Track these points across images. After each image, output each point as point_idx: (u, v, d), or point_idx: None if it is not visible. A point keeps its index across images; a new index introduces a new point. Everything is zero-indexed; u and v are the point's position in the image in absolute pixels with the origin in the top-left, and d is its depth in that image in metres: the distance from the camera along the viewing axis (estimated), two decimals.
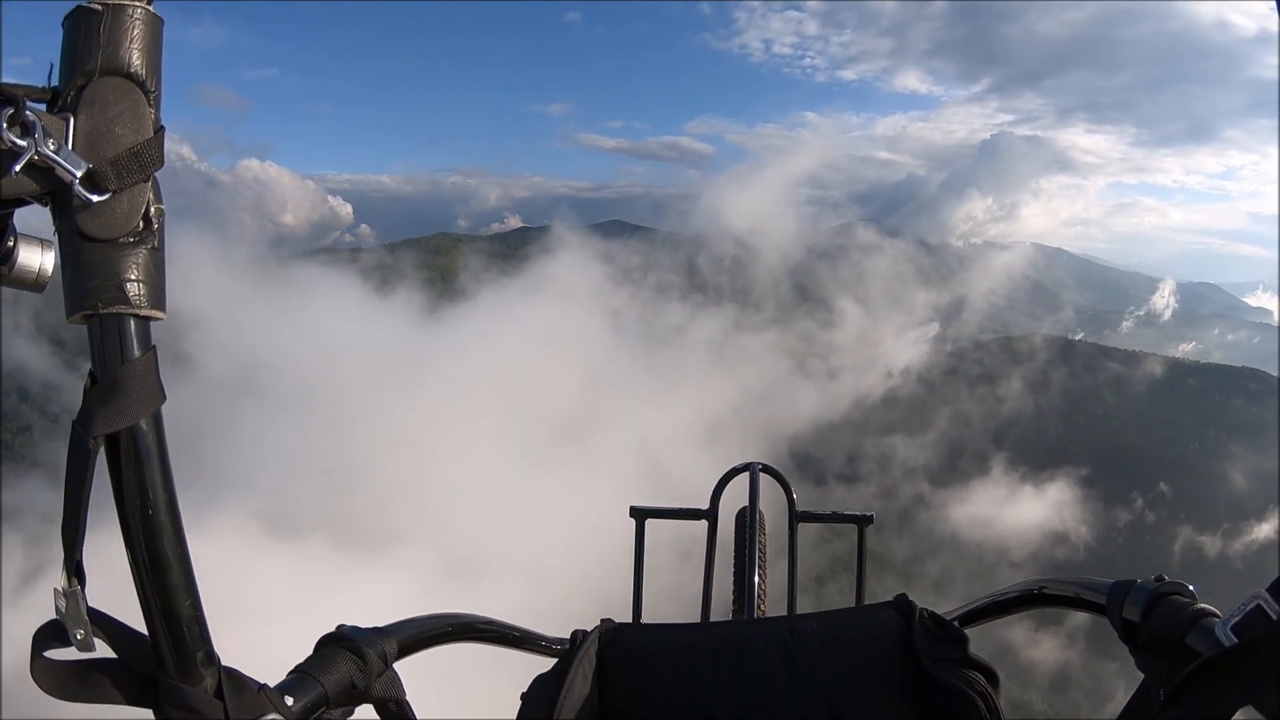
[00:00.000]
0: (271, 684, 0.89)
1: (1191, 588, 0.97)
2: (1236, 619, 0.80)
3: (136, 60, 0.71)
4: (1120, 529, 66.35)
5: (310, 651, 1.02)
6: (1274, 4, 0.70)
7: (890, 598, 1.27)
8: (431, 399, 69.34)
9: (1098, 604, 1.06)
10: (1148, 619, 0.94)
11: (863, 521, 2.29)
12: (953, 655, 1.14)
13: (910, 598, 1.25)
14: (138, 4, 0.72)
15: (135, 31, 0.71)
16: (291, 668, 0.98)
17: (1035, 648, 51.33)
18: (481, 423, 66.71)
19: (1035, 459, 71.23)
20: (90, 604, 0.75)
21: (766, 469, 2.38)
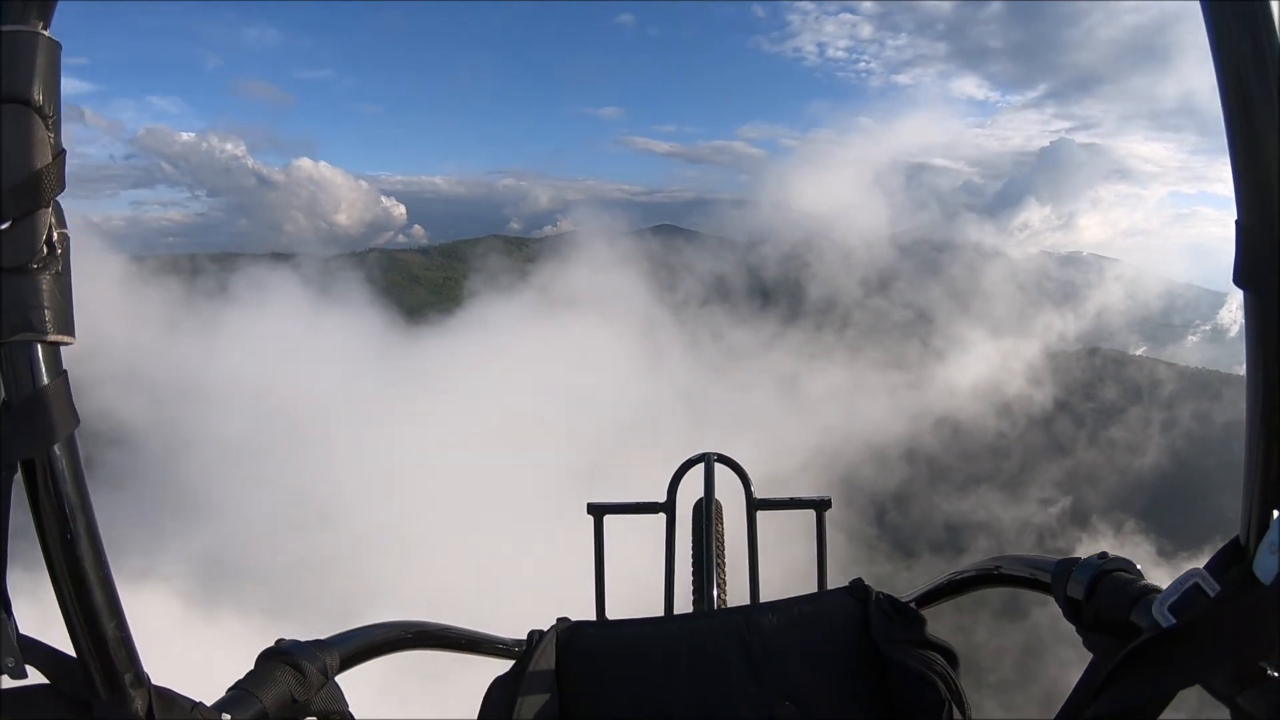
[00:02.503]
0: (209, 702, 0.91)
1: (1137, 565, 0.96)
2: (1173, 598, 0.79)
3: (34, 86, 0.69)
4: None
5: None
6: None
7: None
8: (418, 433, 56.07)
9: (1045, 583, 1.06)
10: (1092, 597, 0.94)
11: (821, 505, 2.24)
12: (910, 637, 1.13)
13: (867, 582, 1.26)
14: (34, 29, 0.69)
15: (32, 57, 0.69)
16: (230, 684, 0.99)
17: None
18: (478, 465, 53.29)
19: (1158, 516, 56.15)
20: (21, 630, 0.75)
21: (722, 459, 2.39)
